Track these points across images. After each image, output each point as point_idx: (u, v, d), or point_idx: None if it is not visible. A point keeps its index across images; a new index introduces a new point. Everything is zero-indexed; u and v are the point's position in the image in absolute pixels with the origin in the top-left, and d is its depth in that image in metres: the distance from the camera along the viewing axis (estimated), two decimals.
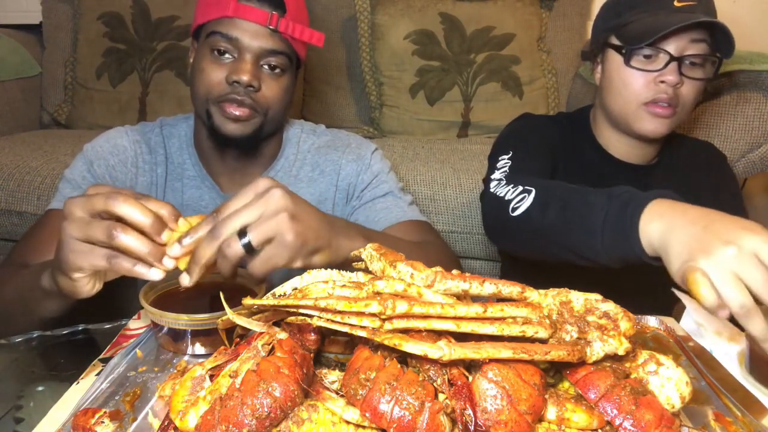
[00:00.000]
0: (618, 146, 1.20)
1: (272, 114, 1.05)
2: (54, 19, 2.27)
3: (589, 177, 1.20)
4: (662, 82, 1.06)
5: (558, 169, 1.21)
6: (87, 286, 0.70)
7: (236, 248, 0.64)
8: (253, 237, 0.65)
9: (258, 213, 0.66)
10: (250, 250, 0.65)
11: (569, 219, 0.85)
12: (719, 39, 1.07)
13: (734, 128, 1.48)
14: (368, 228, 0.94)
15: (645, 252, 0.72)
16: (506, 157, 1.12)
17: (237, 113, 1.00)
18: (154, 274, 0.65)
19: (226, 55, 1.00)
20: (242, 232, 0.65)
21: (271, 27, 0.98)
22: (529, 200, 0.93)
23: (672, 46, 1.06)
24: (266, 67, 1.02)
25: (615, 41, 1.13)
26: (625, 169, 1.21)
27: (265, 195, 0.66)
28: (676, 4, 1.07)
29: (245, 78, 0.98)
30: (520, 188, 0.97)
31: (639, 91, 1.09)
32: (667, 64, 1.05)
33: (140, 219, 0.64)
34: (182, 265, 0.67)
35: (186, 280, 0.66)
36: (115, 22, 2.13)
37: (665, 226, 0.69)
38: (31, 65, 2.27)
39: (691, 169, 1.22)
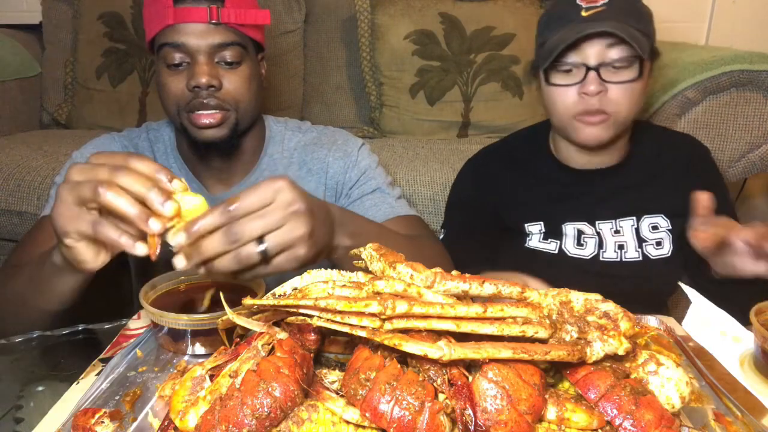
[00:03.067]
0: (575, 155, 1.19)
1: (244, 107, 1.05)
2: (54, 19, 2.27)
3: (549, 189, 1.22)
4: (585, 93, 1.04)
5: (518, 191, 1.23)
6: (87, 255, 0.68)
7: (253, 255, 0.64)
8: (272, 247, 0.64)
9: (279, 223, 0.65)
10: (264, 258, 0.65)
11: None
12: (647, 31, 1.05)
13: (734, 128, 1.48)
14: (360, 222, 0.94)
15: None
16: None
17: (207, 121, 1.00)
18: (140, 250, 0.63)
19: (182, 65, 1.00)
20: (259, 238, 0.64)
21: (213, 22, 0.98)
22: None
23: (588, 56, 1.03)
24: (222, 62, 1.01)
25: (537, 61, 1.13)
26: (584, 176, 1.19)
27: (289, 207, 0.65)
28: (583, 14, 1.04)
29: (203, 80, 0.98)
30: None
31: (567, 106, 1.08)
32: (585, 76, 1.04)
33: (141, 190, 0.61)
34: (171, 238, 0.63)
35: (181, 264, 0.63)
36: (115, 22, 2.13)
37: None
38: (31, 65, 2.27)
39: (670, 164, 1.19)
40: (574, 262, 1.17)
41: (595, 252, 1.16)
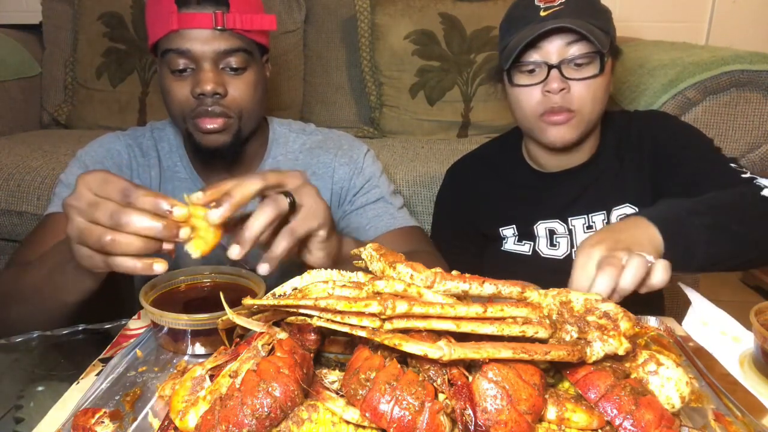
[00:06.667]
0: (546, 159, 1.19)
1: (247, 114, 1.04)
2: (54, 19, 2.27)
3: (521, 193, 1.22)
4: (549, 91, 1.05)
5: (492, 196, 1.24)
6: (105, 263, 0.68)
7: (282, 200, 0.71)
8: (295, 195, 0.73)
9: (295, 183, 0.75)
10: (293, 207, 0.72)
11: None
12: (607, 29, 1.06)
13: (734, 128, 1.48)
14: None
15: None
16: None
17: (211, 126, 0.99)
18: (159, 268, 0.66)
19: (186, 71, 0.99)
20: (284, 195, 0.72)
21: (218, 27, 0.96)
22: None
23: (549, 54, 1.05)
24: (228, 68, 1.00)
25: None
26: (556, 177, 1.19)
27: (295, 173, 0.76)
28: (542, 14, 1.05)
29: (208, 87, 0.96)
30: None
31: (531, 106, 1.08)
32: (548, 74, 1.05)
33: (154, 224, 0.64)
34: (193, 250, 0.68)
35: (216, 215, 0.67)
36: (115, 22, 2.13)
37: None
38: (31, 65, 2.27)
39: (632, 150, 1.17)
40: (548, 263, 1.17)
41: (568, 252, 1.16)
